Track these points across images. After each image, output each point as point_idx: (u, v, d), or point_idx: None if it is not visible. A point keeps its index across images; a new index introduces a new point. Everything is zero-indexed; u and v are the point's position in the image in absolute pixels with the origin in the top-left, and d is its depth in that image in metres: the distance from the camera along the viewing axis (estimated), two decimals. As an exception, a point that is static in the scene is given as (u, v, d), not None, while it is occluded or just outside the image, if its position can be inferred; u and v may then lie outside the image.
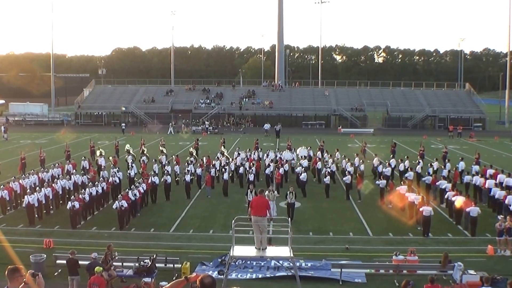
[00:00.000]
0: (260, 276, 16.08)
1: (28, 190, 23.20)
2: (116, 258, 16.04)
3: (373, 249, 19.18)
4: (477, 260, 17.79)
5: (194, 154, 34.41)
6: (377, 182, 27.04)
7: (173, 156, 34.14)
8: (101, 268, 13.53)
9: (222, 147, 37.34)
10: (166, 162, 32.10)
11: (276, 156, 34.23)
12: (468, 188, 26.71)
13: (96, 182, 25.23)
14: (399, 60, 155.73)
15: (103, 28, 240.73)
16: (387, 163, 30.23)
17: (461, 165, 30.68)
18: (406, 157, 33.27)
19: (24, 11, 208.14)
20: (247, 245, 13.92)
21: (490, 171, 28.70)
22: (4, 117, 69.29)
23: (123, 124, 59.92)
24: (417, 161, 32.50)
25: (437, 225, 21.76)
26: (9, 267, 5.45)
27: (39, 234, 20.47)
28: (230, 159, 32.31)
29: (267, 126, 59.26)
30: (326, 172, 28.83)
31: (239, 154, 33.57)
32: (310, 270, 16.51)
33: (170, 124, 60.52)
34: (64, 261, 15.37)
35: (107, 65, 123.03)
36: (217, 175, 30.35)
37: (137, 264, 15.86)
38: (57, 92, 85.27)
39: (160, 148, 36.69)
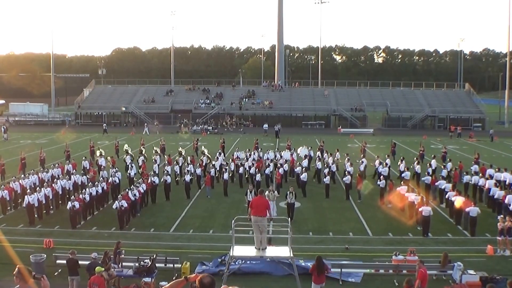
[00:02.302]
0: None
1: (28, 190, 23.23)
2: (123, 255, 16.13)
3: (372, 249, 19.20)
4: (477, 260, 17.82)
5: (183, 154, 34.61)
6: (377, 182, 27.07)
7: (165, 156, 34.34)
8: (102, 268, 13.54)
9: (203, 147, 37.59)
10: (166, 162, 32.11)
11: (276, 156, 34.27)
12: (467, 188, 26.76)
13: (96, 182, 25.25)
14: (399, 60, 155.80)
15: (103, 28, 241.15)
16: (384, 163, 30.30)
17: (433, 163, 30.89)
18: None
19: (24, 11, 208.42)
20: (247, 245, 13.95)
21: (475, 167, 29.44)
22: (4, 117, 69.37)
23: (105, 124, 59.65)
24: (417, 160, 32.56)
25: (436, 225, 21.79)
26: (17, 267, 5.42)
27: (39, 234, 20.49)
28: (211, 160, 32.84)
29: (266, 126, 59.33)
30: (326, 172, 28.85)
31: (237, 155, 33.72)
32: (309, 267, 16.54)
33: (145, 124, 60.46)
34: (64, 261, 15.38)
35: (107, 65, 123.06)
36: (217, 175, 30.40)
37: (137, 264, 15.88)
38: (57, 92, 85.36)
39: (154, 148, 36.80)
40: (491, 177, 27.06)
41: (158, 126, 61.62)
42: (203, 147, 37.54)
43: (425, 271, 13.46)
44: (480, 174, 27.57)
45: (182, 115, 68.60)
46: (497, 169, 28.50)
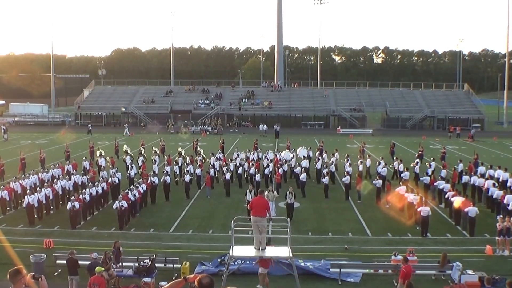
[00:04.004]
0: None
1: (28, 191, 23.28)
2: (122, 253, 16.24)
3: (372, 249, 19.26)
4: (476, 260, 17.88)
5: (183, 154, 34.75)
6: (373, 182, 27.17)
7: (165, 157, 34.44)
8: (102, 268, 13.59)
9: (198, 147, 37.83)
10: (165, 162, 32.14)
11: (275, 156, 34.29)
12: (466, 188, 26.85)
13: (96, 183, 25.30)
14: (398, 61, 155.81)
15: (103, 29, 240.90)
16: (384, 163, 30.38)
17: (417, 163, 31.19)
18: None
19: (24, 11, 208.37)
20: (247, 245, 13.99)
21: (460, 166, 30.09)
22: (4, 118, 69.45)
23: (90, 125, 59.63)
24: (415, 161, 32.65)
25: (435, 225, 21.85)
26: (9, 270, 5.44)
27: (39, 234, 20.54)
28: (206, 159, 33.37)
29: (262, 126, 59.29)
30: (325, 172, 28.90)
31: (238, 155, 33.74)
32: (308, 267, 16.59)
33: (126, 125, 60.16)
34: (64, 261, 15.43)
35: (107, 66, 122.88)
36: (216, 175, 30.44)
37: (136, 264, 15.94)
38: (57, 93, 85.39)
39: (154, 148, 36.98)
40: (490, 176, 27.25)
41: (145, 127, 61.57)
42: (198, 147, 37.75)
43: (407, 269, 13.79)
44: (479, 174, 27.74)
45: (182, 115, 68.66)
46: (489, 166, 28.85)
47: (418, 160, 32.36)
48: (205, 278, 5.16)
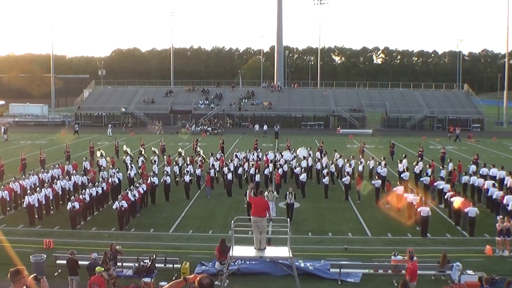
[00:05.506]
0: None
1: (28, 191, 23.28)
2: (122, 252, 16.27)
3: (371, 249, 19.27)
4: (475, 260, 17.89)
5: (183, 154, 34.78)
6: (372, 182, 27.18)
7: (165, 157, 34.46)
8: (102, 268, 13.61)
9: (198, 147, 37.84)
10: (165, 162, 32.15)
11: (275, 156, 34.34)
12: (466, 188, 26.87)
13: (96, 183, 25.31)
14: (398, 61, 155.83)
15: (103, 29, 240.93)
16: (383, 163, 30.40)
17: (404, 162, 31.13)
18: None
19: (24, 12, 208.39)
20: (247, 245, 14.01)
21: (450, 165, 30.19)
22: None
23: (76, 126, 59.40)
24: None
25: (435, 226, 21.87)
26: (11, 269, 5.46)
27: (39, 234, 20.54)
28: (205, 159, 33.30)
29: (257, 126, 59.22)
30: (325, 172, 28.90)
31: (237, 155, 33.77)
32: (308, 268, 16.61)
33: (110, 125, 60.16)
34: (64, 261, 15.44)
35: (107, 66, 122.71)
36: (216, 175, 30.45)
37: (136, 264, 15.95)
38: (57, 93, 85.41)
39: (153, 148, 36.96)
40: (489, 176, 27.28)
41: (131, 127, 61.53)
42: (198, 147, 37.76)
43: (413, 266, 13.88)
44: (477, 174, 27.81)
45: (182, 116, 68.68)
46: (483, 165, 28.92)
47: (406, 160, 32.10)
48: (205, 278, 5.18)
